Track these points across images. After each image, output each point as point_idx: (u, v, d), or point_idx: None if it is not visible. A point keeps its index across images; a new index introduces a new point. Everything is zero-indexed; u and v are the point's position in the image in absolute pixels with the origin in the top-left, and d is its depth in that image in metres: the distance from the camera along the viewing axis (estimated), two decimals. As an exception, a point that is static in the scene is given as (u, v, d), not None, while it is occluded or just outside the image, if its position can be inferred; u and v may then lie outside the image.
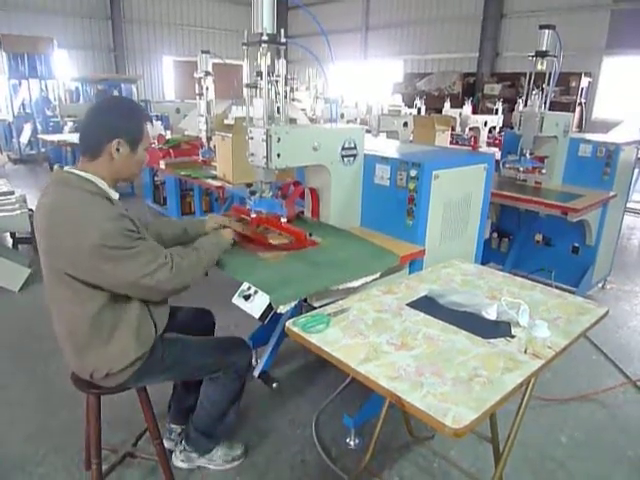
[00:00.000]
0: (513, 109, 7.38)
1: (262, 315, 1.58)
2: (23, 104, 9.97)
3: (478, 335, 1.58)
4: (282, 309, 1.61)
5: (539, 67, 3.35)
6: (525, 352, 1.50)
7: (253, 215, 2.09)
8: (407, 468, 2.09)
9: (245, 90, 2.08)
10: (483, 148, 6.41)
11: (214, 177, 4.14)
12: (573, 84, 9.91)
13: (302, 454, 2.16)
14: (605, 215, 3.66)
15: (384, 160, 2.23)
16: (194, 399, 2.18)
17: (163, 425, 2.06)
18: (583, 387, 2.70)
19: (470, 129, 6.40)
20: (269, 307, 1.58)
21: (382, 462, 2.10)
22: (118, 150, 1.57)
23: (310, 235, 1.98)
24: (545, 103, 3.43)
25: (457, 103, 9.22)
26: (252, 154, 2.05)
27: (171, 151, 5.24)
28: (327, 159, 2.19)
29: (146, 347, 1.67)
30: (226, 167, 3.89)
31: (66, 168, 1.62)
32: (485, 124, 6.50)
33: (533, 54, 3.37)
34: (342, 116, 7.09)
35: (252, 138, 2.02)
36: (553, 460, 2.16)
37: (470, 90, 11.69)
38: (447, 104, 8.57)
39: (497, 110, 6.84)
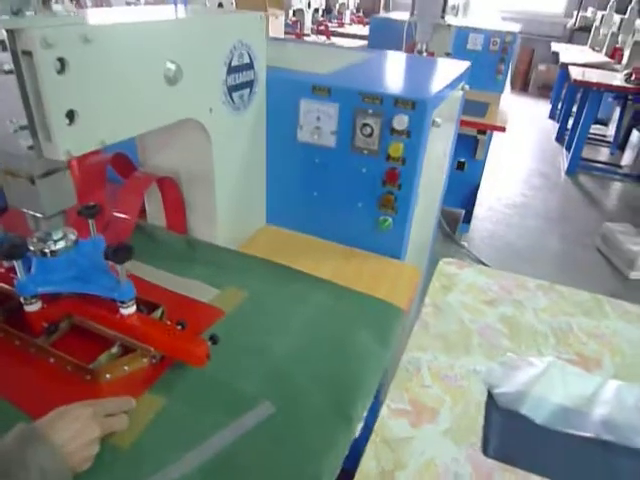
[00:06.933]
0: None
1: None
2: None
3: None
4: None
5: None
6: None
7: (30, 307, 0.73)
8: None
9: None
10: (311, 37, 5.29)
11: None
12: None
13: None
14: (495, 122, 3.05)
15: (319, 90, 1.02)
16: None
17: None
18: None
19: (293, 13, 5.14)
20: None
21: None
22: None
23: (214, 342, 0.73)
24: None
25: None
26: (-24, 115, 0.64)
27: None
28: (199, 102, 0.88)
29: None
30: None
31: None
32: (309, 5, 5.30)
33: None
34: (118, -5, 5.11)
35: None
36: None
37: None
38: (249, -21, 6.98)
39: (319, -13, 5.63)
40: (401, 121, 0.95)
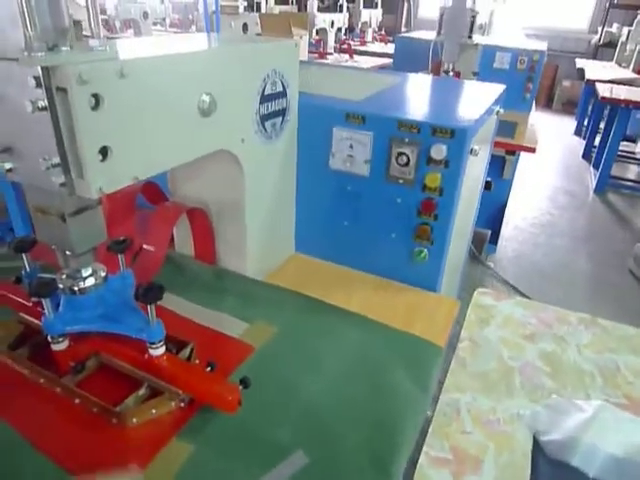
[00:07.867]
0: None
1: None
2: None
3: None
4: None
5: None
6: None
7: (58, 346, 0.71)
8: None
9: None
10: (334, 56, 5.32)
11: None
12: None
13: None
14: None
15: (353, 118, 0.99)
16: None
17: None
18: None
19: (316, 32, 5.18)
20: None
21: None
22: None
23: (246, 386, 0.70)
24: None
25: (280, -2, 7.74)
26: (9, 149, 0.62)
27: None
28: (232, 133, 0.86)
29: None
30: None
31: None
32: (332, 25, 5.34)
33: None
34: (145, 16, 5.23)
35: (-6, 100, 0.59)
36: None
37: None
38: (272, -1, 7.09)
39: (341, 6, 5.69)
40: (439, 151, 0.91)
